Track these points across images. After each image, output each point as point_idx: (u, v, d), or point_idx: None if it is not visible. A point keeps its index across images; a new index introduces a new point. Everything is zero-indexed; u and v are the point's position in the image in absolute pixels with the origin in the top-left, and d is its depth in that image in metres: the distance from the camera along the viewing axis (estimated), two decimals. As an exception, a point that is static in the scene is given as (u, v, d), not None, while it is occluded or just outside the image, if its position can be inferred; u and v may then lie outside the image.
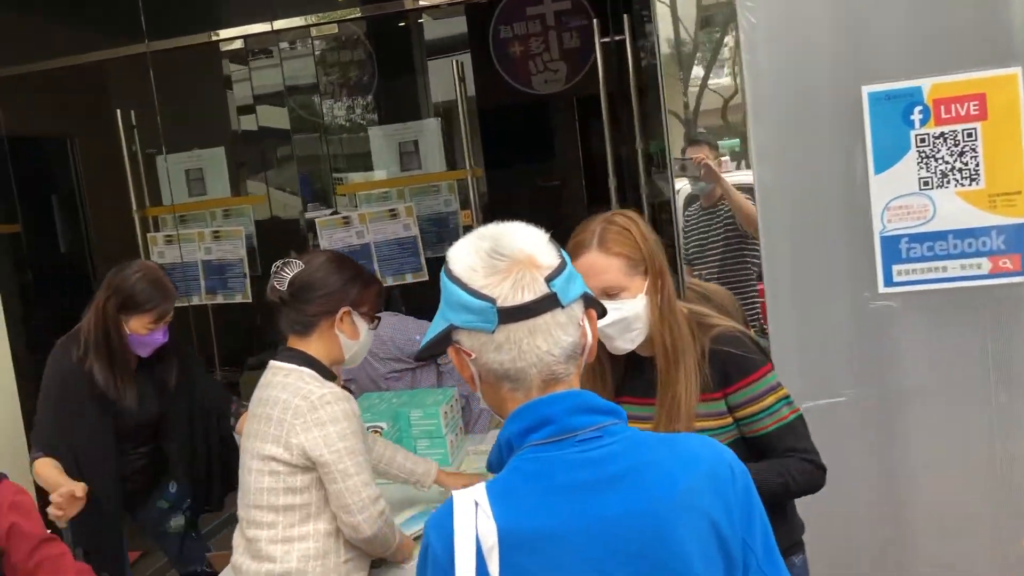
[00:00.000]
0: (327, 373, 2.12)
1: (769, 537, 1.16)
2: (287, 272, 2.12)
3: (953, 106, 2.02)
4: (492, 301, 1.12)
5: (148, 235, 5.54)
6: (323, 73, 6.86)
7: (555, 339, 1.12)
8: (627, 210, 1.88)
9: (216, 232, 5.90)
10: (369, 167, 6.25)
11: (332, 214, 5.97)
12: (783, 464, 1.69)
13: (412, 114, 6.88)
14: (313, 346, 2.10)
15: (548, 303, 1.12)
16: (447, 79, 6.68)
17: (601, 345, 1.75)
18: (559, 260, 1.15)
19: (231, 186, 6.19)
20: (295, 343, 2.12)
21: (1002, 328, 2.05)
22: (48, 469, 2.66)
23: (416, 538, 2.20)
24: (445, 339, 1.18)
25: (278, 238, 6.91)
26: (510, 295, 1.12)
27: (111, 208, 5.58)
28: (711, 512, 1.13)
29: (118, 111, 5.05)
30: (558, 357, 1.13)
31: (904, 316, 2.07)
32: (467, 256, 1.15)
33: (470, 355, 1.16)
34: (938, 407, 2.07)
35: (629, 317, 1.70)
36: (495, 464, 1.19)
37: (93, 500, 2.85)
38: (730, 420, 1.71)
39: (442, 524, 1.08)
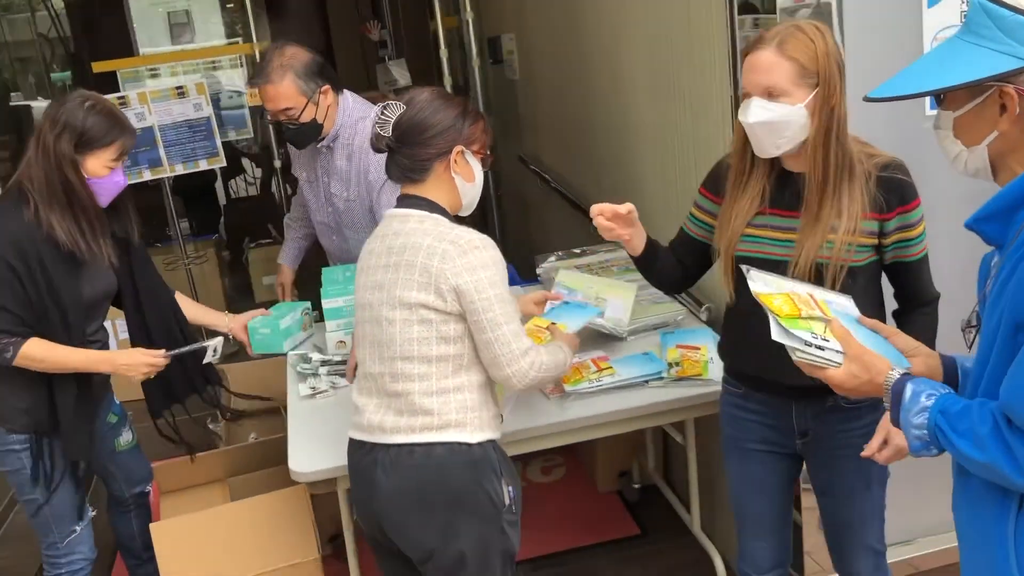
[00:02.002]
0: (455, 220, 2.00)
1: None
2: (389, 115, 1.95)
3: (990, -53, 2.34)
4: None
5: None
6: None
7: None
8: (820, 23, 1.95)
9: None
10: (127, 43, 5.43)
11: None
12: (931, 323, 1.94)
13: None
14: (431, 193, 1.97)
15: None
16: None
17: (750, 152, 1.86)
18: None
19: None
20: (410, 189, 1.97)
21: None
22: (49, 346, 2.31)
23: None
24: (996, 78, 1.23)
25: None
26: None
27: None
28: None
29: None
30: None
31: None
32: None
33: None
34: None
35: (778, 121, 1.80)
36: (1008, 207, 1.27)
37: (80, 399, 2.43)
38: (874, 241, 1.87)
39: None
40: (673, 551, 3.14)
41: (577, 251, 3.27)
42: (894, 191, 1.84)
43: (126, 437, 2.70)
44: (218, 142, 5.14)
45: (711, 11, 2.50)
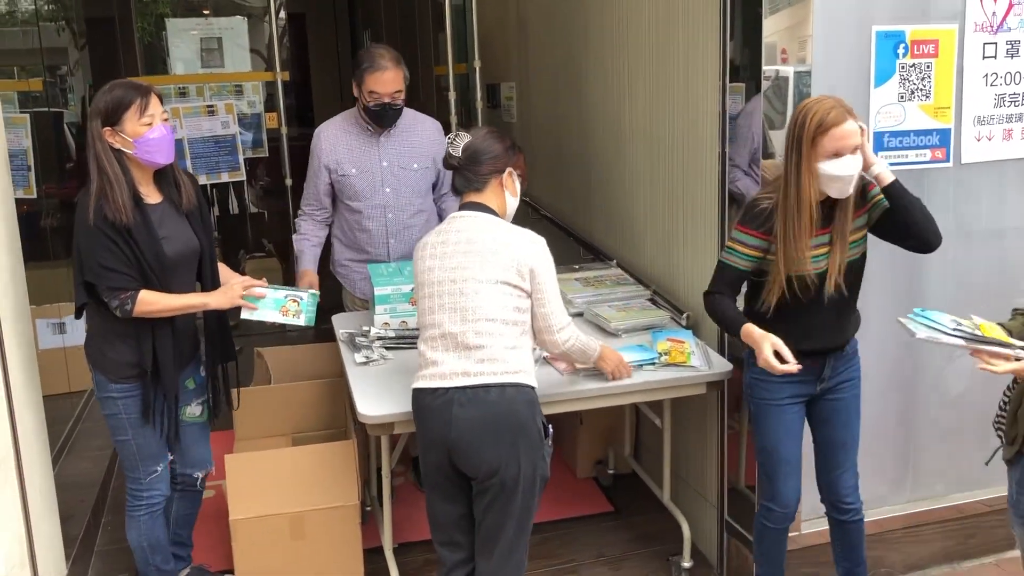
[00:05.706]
0: None
1: None
2: (459, 142, 2.57)
3: (921, 46, 3.04)
4: None
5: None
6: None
7: None
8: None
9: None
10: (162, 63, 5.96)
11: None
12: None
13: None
14: (489, 200, 2.59)
15: None
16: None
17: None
18: None
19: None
20: (473, 198, 2.58)
21: (926, 197, 3.13)
22: (157, 294, 2.70)
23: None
24: None
25: (51, 133, 6.24)
26: None
27: None
28: None
29: None
30: None
31: (882, 186, 3.06)
32: None
33: None
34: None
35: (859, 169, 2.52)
36: None
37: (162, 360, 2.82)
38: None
39: None
40: (643, 523, 3.73)
41: (575, 267, 3.88)
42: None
43: (194, 410, 2.99)
44: (240, 158, 5.67)
45: (707, 75, 3.16)
